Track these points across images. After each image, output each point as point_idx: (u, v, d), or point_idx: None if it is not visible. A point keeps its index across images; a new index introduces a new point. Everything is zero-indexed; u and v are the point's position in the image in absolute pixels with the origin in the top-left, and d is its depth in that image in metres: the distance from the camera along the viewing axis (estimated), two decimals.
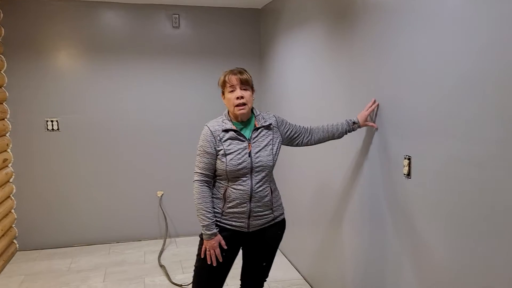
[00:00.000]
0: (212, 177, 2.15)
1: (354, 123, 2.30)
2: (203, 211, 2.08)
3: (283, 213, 2.27)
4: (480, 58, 1.51)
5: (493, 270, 1.50)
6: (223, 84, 2.15)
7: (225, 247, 2.10)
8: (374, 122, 2.24)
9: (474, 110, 1.55)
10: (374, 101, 2.21)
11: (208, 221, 2.08)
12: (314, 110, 3.08)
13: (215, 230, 2.08)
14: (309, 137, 2.32)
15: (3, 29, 3.82)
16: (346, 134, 2.34)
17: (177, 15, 4.24)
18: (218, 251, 2.08)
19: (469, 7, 1.55)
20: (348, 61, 2.55)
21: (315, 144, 2.36)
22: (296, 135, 2.28)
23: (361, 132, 2.41)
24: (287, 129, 2.25)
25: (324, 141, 2.37)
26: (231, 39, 4.40)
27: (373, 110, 2.23)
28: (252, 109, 2.20)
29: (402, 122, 2.00)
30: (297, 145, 2.33)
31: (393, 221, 2.12)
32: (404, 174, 1.97)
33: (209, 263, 2.09)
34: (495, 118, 1.45)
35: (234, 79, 2.10)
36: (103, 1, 4.05)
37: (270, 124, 2.18)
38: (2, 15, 3.80)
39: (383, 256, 2.23)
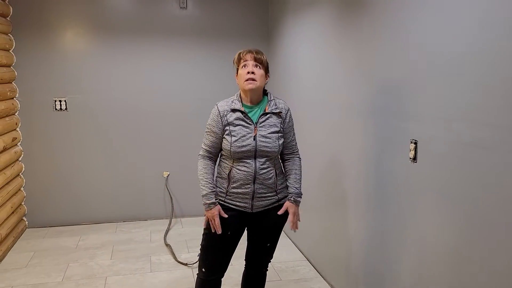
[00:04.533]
0: (216, 155, 2.20)
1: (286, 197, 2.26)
2: (203, 181, 2.14)
3: (287, 196, 2.28)
4: (490, 42, 1.50)
5: (499, 257, 1.52)
6: (238, 61, 2.15)
7: (225, 216, 2.13)
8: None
9: (482, 94, 1.54)
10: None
11: (208, 191, 2.12)
12: (321, 92, 3.07)
13: (214, 200, 2.13)
14: (283, 158, 2.31)
15: (11, 8, 3.82)
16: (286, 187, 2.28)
17: None
18: (217, 220, 2.12)
19: None
20: (355, 44, 2.53)
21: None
22: (285, 137, 2.22)
23: (367, 116, 2.41)
24: (287, 129, 2.22)
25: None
26: (238, 20, 4.37)
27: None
28: (267, 93, 2.21)
29: (409, 106, 2.00)
30: None
31: (398, 205, 2.14)
32: (410, 158, 1.98)
33: (212, 231, 2.13)
34: (504, 102, 1.45)
35: (248, 56, 2.10)
36: None
37: (280, 112, 2.17)
38: None
39: (387, 240, 2.26)
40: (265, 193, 2.15)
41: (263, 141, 2.09)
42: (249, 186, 2.12)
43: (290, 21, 3.71)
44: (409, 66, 1.99)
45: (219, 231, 2.12)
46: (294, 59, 3.64)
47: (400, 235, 2.12)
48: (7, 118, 3.65)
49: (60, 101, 4.08)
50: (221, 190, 2.18)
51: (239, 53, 2.15)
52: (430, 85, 1.83)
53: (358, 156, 2.56)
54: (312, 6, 3.19)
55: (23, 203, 4.08)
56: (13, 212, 3.73)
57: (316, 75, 3.16)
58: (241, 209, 2.16)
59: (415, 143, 1.94)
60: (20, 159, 4.02)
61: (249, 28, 4.40)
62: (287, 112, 2.21)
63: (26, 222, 4.15)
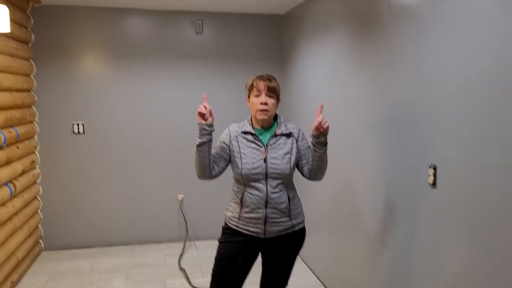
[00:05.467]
0: (218, 165, 2.16)
1: (310, 136, 2.13)
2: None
3: (302, 222, 2.24)
4: (508, 64, 1.49)
5: None
6: (250, 88, 2.17)
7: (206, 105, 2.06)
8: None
9: (502, 117, 1.52)
10: (322, 106, 2.09)
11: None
12: (336, 114, 3.07)
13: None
14: (310, 165, 2.17)
15: (33, 35, 3.94)
16: (316, 151, 2.12)
17: (201, 21, 4.30)
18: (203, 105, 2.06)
19: (496, 14, 1.53)
20: (372, 67, 2.54)
21: (314, 173, 2.18)
22: (305, 157, 2.19)
23: (384, 139, 2.39)
24: (304, 146, 2.20)
25: (318, 169, 2.17)
26: (253, 44, 4.43)
27: (320, 115, 2.06)
28: (276, 117, 2.22)
29: (427, 129, 1.98)
30: (301, 170, 2.22)
31: (417, 231, 2.10)
32: (430, 183, 1.95)
33: (203, 112, 2.05)
34: None
35: (261, 85, 2.12)
36: (129, 8, 4.13)
37: (291, 132, 2.18)
38: (32, 21, 3.92)
39: (404, 265, 2.21)
40: (278, 218, 2.12)
41: (274, 163, 2.09)
42: (261, 210, 2.10)
43: (305, 44, 3.75)
44: (427, 87, 1.98)
45: (207, 107, 2.05)
46: (309, 81, 3.66)
47: (420, 261, 2.07)
48: (26, 142, 3.71)
49: (77, 124, 4.15)
50: (234, 215, 2.17)
51: (252, 80, 2.17)
52: (449, 108, 1.82)
53: (374, 179, 2.53)
54: (327, 28, 3.22)
55: (39, 225, 4.11)
56: (29, 235, 3.76)
57: (331, 96, 3.17)
58: (253, 234, 2.14)
59: (435, 168, 1.92)
60: (38, 181, 4.07)
61: (263, 52, 4.45)
62: (299, 131, 2.21)
63: (42, 245, 4.17)
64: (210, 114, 2.07)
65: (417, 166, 2.06)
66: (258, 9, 4.18)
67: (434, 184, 1.93)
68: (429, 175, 1.95)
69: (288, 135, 2.17)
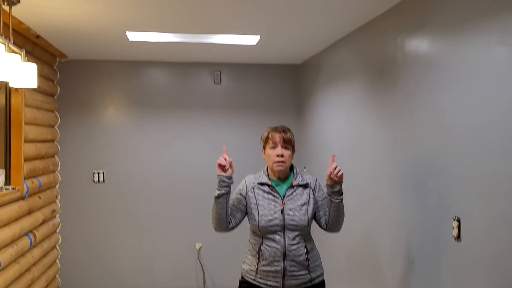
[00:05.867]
0: (235, 217, 2.15)
1: (325, 186, 2.11)
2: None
3: (322, 275, 2.19)
4: None
5: None
6: (266, 140, 2.19)
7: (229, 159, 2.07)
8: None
9: None
10: (334, 156, 2.09)
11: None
12: (354, 163, 3.05)
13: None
14: (327, 215, 2.14)
15: (58, 88, 4.11)
16: (332, 202, 2.09)
17: (219, 72, 4.42)
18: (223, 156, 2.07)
19: None
20: (389, 117, 2.54)
21: (331, 224, 2.15)
22: (322, 208, 2.16)
23: (404, 190, 2.35)
24: (321, 197, 2.18)
25: (335, 220, 2.13)
26: (270, 93, 4.52)
27: (332, 164, 2.04)
28: (292, 167, 2.21)
29: (449, 180, 1.94)
30: (318, 221, 2.19)
31: (440, 285, 2.00)
32: (454, 236, 1.89)
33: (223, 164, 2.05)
34: None
35: (277, 137, 2.14)
36: (149, 61, 4.30)
37: (307, 183, 2.17)
38: (59, 75, 4.10)
39: None
40: (297, 271, 2.08)
41: (291, 214, 2.07)
42: (279, 263, 2.06)
43: (321, 92, 3.79)
44: (447, 140, 1.95)
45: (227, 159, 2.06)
46: (326, 131, 3.67)
47: None
48: (48, 191, 3.78)
49: (98, 173, 4.22)
50: (251, 268, 2.14)
51: (268, 132, 2.19)
52: (471, 159, 1.79)
53: (395, 231, 2.46)
54: (344, 78, 3.27)
55: (57, 275, 4.09)
56: (47, 286, 3.74)
57: (350, 146, 3.16)
58: None
59: (459, 221, 1.86)
60: (57, 231, 4.09)
61: (280, 101, 4.52)
62: (315, 182, 2.20)
63: None
64: (230, 166, 2.08)
65: (440, 219, 2.00)
66: (275, 59, 4.29)
67: (458, 237, 1.86)
68: (453, 227, 1.89)
69: (305, 186, 2.16)
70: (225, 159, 2.07)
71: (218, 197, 2.07)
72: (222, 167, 2.07)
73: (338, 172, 2.02)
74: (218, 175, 2.08)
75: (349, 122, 3.18)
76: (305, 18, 2.76)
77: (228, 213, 2.12)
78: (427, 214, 2.13)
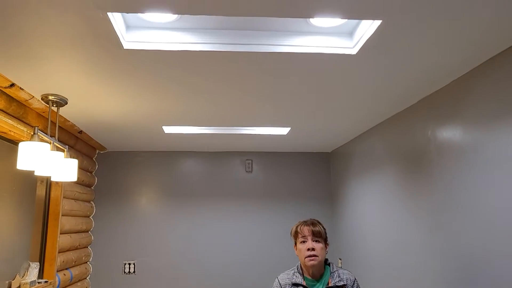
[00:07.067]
0: None
1: None
2: None
3: None
4: None
5: None
6: (295, 235, 2.13)
7: None
8: None
9: None
10: None
11: None
12: (391, 256, 2.90)
13: None
14: None
15: (96, 179, 4.26)
16: None
17: (250, 160, 4.50)
18: None
19: None
20: (426, 207, 2.46)
21: None
22: None
23: (444, 284, 2.18)
24: None
25: None
26: (301, 182, 4.51)
27: None
28: (328, 264, 2.13)
29: (496, 276, 1.80)
30: None
31: None
32: None
33: None
34: None
35: (306, 230, 2.08)
36: (183, 151, 4.45)
37: (345, 284, 2.05)
38: (97, 166, 4.28)
39: None
40: None
41: None
42: None
43: (354, 179, 3.75)
44: (491, 232, 1.85)
45: None
46: (360, 221, 3.57)
47: None
48: (78, 283, 3.74)
49: (129, 264, 4.18)
50: None
51: (296, 226, 2.14)
52: None
53: None
54: (376, 168, 3.24)
55: None
56: None
57: (384, 237, 3.03)
58: None
59: None
60: None
61: (311, 189, 4.49)
62: (353, 284, 2.07)
63: None
64: None
65: None
66: (305, 148, 4.35)
67: None
68: None
69: (342, 287, 2.04)
70: None
71: None
72: None
73: None
74: None
75: (383, 213, 3.09)
76: (336, 113, 2.83)
77: None
78: None
